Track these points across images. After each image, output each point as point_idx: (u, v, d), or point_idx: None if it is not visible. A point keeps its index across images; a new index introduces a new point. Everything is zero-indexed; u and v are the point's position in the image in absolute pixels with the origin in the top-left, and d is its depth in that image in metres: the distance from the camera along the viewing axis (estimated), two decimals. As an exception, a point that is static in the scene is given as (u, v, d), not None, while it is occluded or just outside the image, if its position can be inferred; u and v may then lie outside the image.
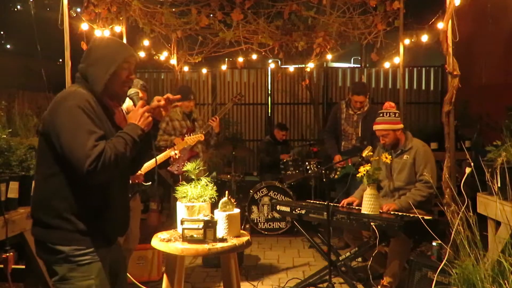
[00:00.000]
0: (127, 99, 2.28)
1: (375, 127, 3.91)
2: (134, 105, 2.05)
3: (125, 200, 2.09)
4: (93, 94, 1.90)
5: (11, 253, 2.60)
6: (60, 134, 1.77)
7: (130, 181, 3.26)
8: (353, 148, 4.97)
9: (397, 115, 3.87)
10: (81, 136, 1.75)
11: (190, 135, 4.27)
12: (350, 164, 4.86)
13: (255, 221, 5.70)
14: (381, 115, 3.91)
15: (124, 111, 2.19)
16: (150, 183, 3.35)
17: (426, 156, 3.76)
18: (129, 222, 2.13)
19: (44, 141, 1.87)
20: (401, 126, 3.86)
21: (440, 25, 3.61)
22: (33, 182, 1.94)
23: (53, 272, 1.87)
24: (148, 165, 3.40)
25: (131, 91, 2.09)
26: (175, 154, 3.91)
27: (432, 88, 8.78)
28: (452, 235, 2.26)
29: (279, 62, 9.40)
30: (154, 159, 3.38)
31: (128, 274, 3.00)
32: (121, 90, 2.00)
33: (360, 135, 4.96)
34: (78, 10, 4.86)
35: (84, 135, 1.75)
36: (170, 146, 4.15)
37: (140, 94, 2.25)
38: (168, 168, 4.74)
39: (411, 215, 3.39)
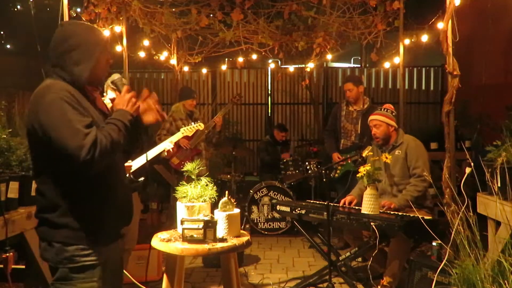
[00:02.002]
0: (109, 91, 2.23)
1: (370, 117, 4.02)
2: (119, 91, 2.02)
3: (125, 188, 2.07)
4: (70, 84, 1.86)
5: (11, 253, 2.60)
6: (48, 130, 1.74)
7: None
8: (353, 145, 5.01)
9: (393, 114, 3.97)
10: (69, 127, 1.72)
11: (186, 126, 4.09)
12: (349, 162, 4.86)
13: (255, 221, 5.70)
14: (378, 109, 4.07)
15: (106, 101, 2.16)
16: (143, 178, 3.32)
17: (417, 150, 3.82)
18: (132, 209, 2.10)
19: (33, 141, 1.85)
20: (395, 125, 3.93)
21: (440, 25, 3.61)
22: (33, 183, 1.92)
23: (55, 272, 1.85)
24: (140, 161, 3.40)
25: (114, 76, 2.07)
26: (170, 147, 3.72)
27: (432, 88, 8.77)
28: (452, 235, 2.27)
29: (279, 62, 9.40)
30: (145, 155, 3.40)
31: (128, 274, 3.01)
32: (102, 75, 1.98)
33: (359, 131, 4.99)
34: (78, 10, 4.87)
35: (72, 125, 1.73)
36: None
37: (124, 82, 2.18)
38: (170, 162, 4.75)
39: (411, 215, 3.39)
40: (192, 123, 4.04)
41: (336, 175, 5.05)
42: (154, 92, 2.10)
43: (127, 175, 3.20)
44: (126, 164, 3.07)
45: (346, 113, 5.09)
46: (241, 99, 5.43)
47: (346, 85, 5.07)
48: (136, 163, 3.29)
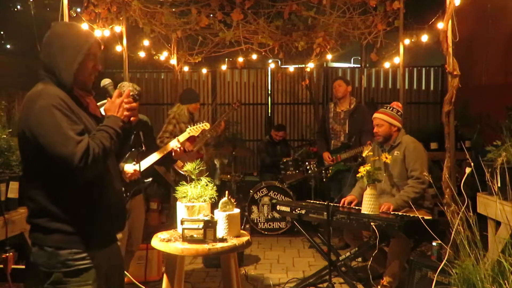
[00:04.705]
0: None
1: (374, 115, 3.99)
2: (109, 96, 2.00)
3: (119, 192, 2.05)
4: (62, 89, 1.83)
5: (11, 253, 2.60)
6: (39, 136, 1.72)
7: (128, 180, 3.26)
8: (342, 145, 5.11)
9: (399, 114, 3.92)
10: (61, 135, 1.71)
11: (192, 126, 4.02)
12: (340, 162, 4.94)
13: (255, 221, 5.70)
14: (384, 107, 4.00)
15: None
16: (151, 179, 3.34)
17: (416, 151, 3.77)
18: (126, 214, 2.09)
19: (24, 146, 1.82)
20: (399, 125, 3.89)
21: (440, 25, 3.61)
22: (26, 189, 1.89)
23: (49, 276, 1.83)
24: (148, 161, 3.41)
25: (105, 81, 2.05)
26: (177, 146, 3.72)
27: (432, 88, 8.76)
28: (452, 235, 2.27)
29: (279, 62, 9.39)
30: (153, 156, 3.41)
31: (128, 274, 3.01)
32: (88, 80, 1.93)
33: (347, 132, 5.08)
34: (78, 10, 4.87)
35: (64, 132, 1.71)
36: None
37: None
38: (175, 165, 4.75)
39: (411, 215, 3.39)
40: (199, 123, 4.00)
41: (328, 174, 5.13)
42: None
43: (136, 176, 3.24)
44: (133, 168, 3.11)
45: (334, 114, 5.23)
46: (240, 105, 5.48)
47: (336, 82, 5.22)
48: (144, 164, 3.31)
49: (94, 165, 1.74)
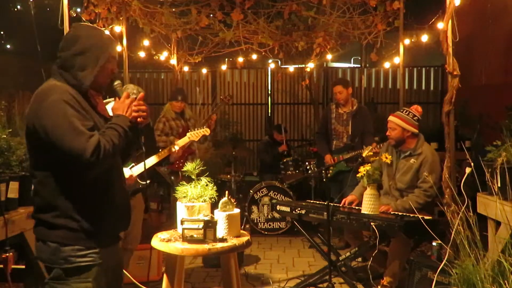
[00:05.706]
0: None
1: (389, 117, 3.91)
2: (118, 96, 2.02)
3: (124, 191, 2.07)
4: (76, 88, 1.86)
5: (11, 253, 2.60)
6: (50, 131, 1.74)
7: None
8: (345, 146, 5.09)
9: (415, 119, 3.82)
10: (72, 130, 1.73)
11: (192, 131, 4.10)
12: (341, 161, 4.92)
13: (255, 221, 5.70)
14: (401, 110, 3.92)
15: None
16: (149, 181, 3.35)
17: (432, 165, 3.69)
18: (130, 213, 2.10)
19: (33, 141, 1.84)
20: (413, 130, 3.79)
21: (440, 25, 3.61)
22: (32, 185, 1.91)
23: (50, 271, 1.85)
24: (148, 162, 3.41)
25: (114, 82, 2.08)
26: (175, 150, 3.75)
27: (432, 88, 8.77)
28: (452, 235, 2.27)
29: (279, 62, 9.39)
30: (151, 158, 3.42)
31: (128, 274, 3.01)
32: (104, 83, 1.98)
33: (350, 133, 5.06)
34: (78, 10, 4.87)
35: (75, 127, 1.73)
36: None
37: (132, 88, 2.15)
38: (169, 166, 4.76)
39: (411, 215, 3.39)
40: (200, 128, 4.03)
41: (329, 175, 5.12)
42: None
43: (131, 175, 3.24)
44: (129, 173, 3.11)
45: (336, 115, 5.16)
46: (231, 99, 5.47)
47: (335, 87, 5.10)
48: (140, 168, 3.32)
49: (103, 160, 1.77)
